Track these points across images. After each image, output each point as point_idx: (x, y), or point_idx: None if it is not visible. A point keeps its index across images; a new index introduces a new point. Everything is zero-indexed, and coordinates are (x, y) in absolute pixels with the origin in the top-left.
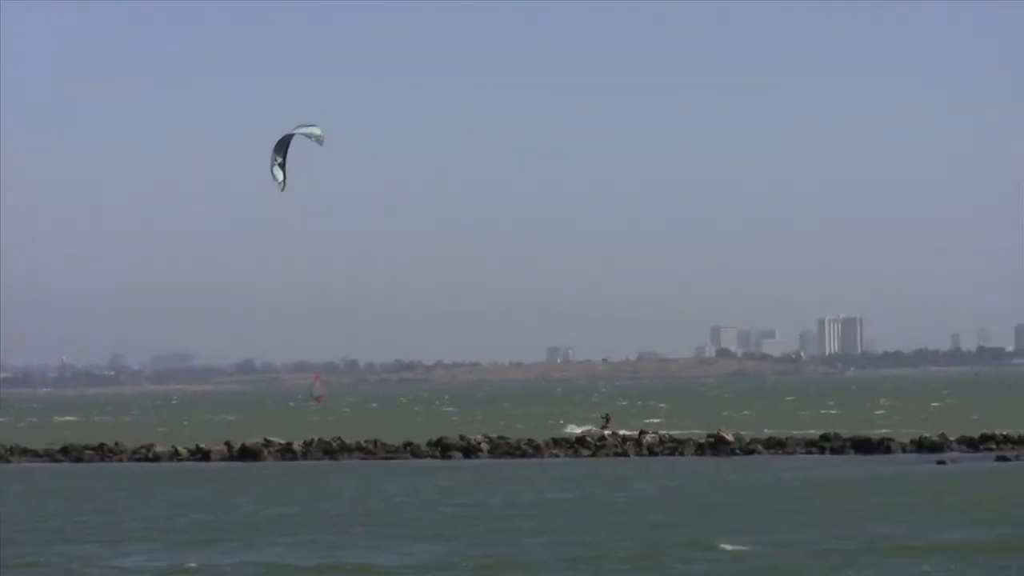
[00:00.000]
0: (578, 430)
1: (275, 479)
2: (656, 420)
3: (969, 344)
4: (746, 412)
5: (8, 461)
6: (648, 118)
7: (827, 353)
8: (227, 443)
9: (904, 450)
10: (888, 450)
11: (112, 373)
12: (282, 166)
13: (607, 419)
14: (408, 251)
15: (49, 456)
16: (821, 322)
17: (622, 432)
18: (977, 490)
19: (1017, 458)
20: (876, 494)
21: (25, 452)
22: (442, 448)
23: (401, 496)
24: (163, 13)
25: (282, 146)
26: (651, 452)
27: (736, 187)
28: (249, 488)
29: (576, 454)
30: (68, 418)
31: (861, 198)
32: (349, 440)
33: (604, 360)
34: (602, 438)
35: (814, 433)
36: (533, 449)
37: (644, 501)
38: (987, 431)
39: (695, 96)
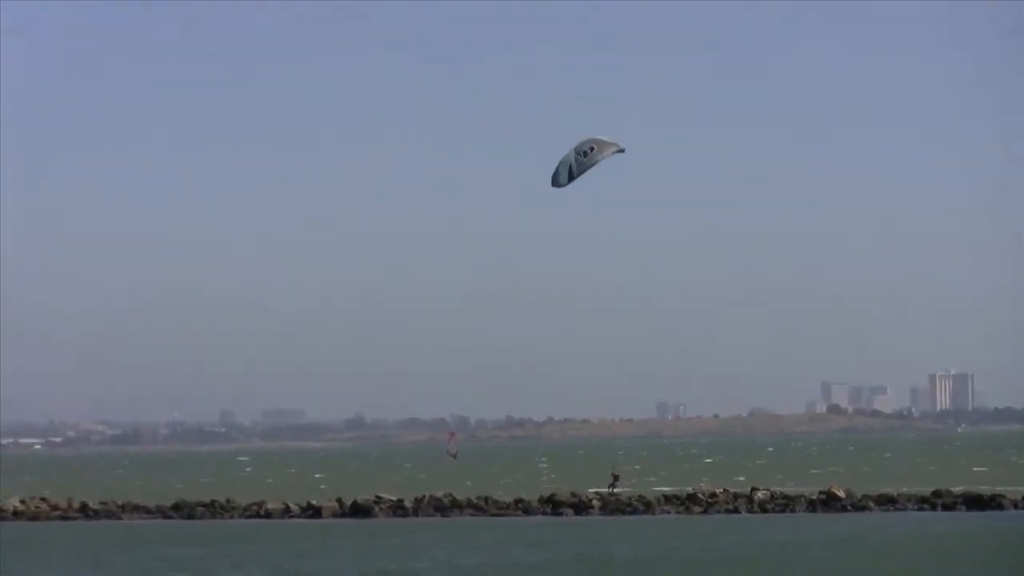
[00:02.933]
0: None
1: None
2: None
3: None
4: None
5: (119, 518)
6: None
7: (938, 409)
8: (338, 499)
9: (1016, 506)
10: (1000, 506)
11: (223, 430)
12: (571, 175)
13: (615, 477)
14: (517, 305)
15: (160, 512)
16: (932, 378)
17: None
18: None
19: None
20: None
21: (137, 508)
22: (553, 504)
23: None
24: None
25: (584, 164)
26: (763, 509)
27: (845, 241)
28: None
29: (688, 511)
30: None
31: (971, 251)
32: (460, 496)
33: (715, 416)
34: (712, 494)
35: (925, 490)
36: (644, 506)
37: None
38: None
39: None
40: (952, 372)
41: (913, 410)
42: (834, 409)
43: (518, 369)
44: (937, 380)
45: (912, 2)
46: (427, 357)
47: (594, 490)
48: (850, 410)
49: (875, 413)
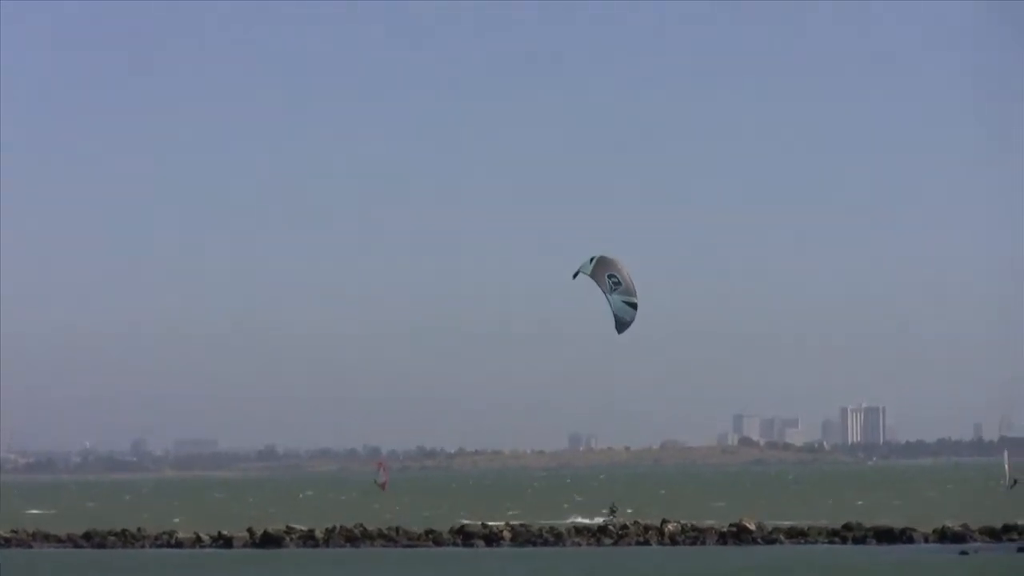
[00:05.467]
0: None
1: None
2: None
3: (991, 435)
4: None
5: (30, 546)
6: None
7: (849, 442)
8: (249, 529)
9: (927, 540)
10: (911, 540)
11: (135, 459)
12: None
13: (612, 510)
14: (429, 338)
15: (71, 541)
16: (844, 411)
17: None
18: None
19: None
20: None
21: (47, 537)
22: (464, 536)
23: None
24: None
25: (605, 278)
26: (673, 541)
27: (758, 274)
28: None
29: (598, 543)
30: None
31: (884, 287)
32: (371, 527)
33: (626, 448)
34: (623, 526)
35: (835, 524)
36: (555, 537)
37: None
38: (1009, 521)
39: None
40: (864, 405)
41: (824, 443)
42: (746, 441)
43: (430, 400)
44: (849, 413)
45: None
46: (338, 387)
47: (596, 519)
48: (762, 443)
49: (787, 446)
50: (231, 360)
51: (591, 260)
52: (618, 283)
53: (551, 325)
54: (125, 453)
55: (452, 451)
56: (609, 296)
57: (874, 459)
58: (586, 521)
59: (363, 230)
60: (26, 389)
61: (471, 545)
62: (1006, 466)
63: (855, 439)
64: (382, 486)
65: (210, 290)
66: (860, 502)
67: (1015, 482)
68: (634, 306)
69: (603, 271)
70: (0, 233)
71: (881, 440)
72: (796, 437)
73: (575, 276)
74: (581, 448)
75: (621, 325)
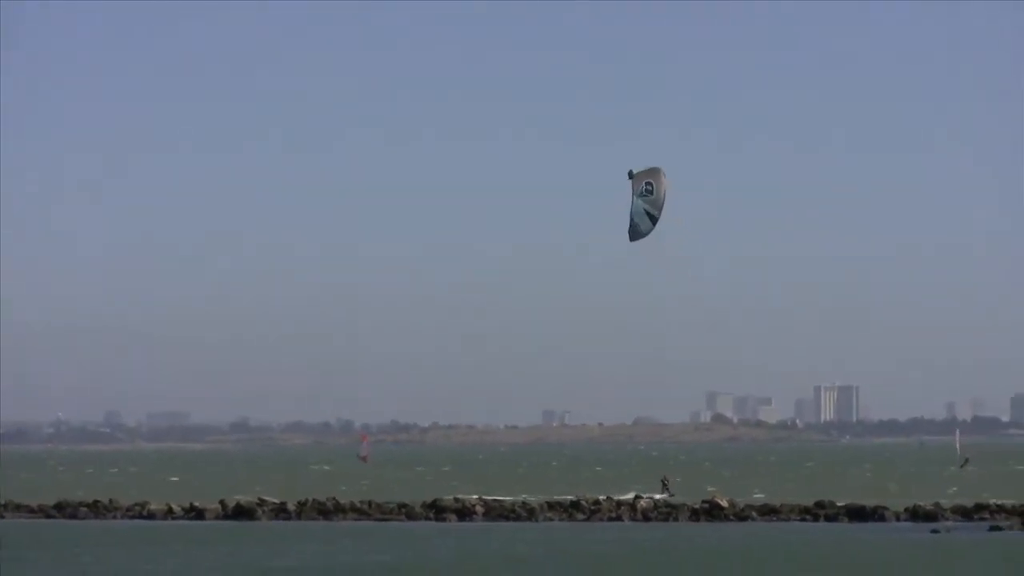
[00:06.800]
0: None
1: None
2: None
3: (964, 414)
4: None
5: (1, 516)
6: None
7: (823, 420)
8: (221, 501)
9: (898, 518)
10: (882, 518)
11: (107, 430)
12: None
13: (665, 482)
14: (404, 310)
15: (43, 512)
16: (817, 390)
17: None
18: (969, 561)
19: (1011, 528)
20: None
21: (19, 507)
22: (436, 510)
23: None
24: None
25: (657, 203)
26: (645, 517)
27: (732, 253)
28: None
29: (571, 517)
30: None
31: (858, 266)
32: (343, 500)
33: (600, 424)
34: (595, 501)
35: (808, 501)
36: (528, 512)
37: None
38: (982, 500)
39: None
40: (837, 384)
41: (798, 421)
42: (719, 419)
43: (403, 374)
44: (822, 392)
45: None
46: (312, 361)
47: (649, 495)
48: (735, 420)
49: (760, 424)
50: (204, 333)
51: (650, 168)
52: (650, 192)
53: (528, 300)
54: (98, 424)
55: (426, 425)
56: (635, 198)
57: (847, 437)
58: (648, 495)
59: (337, 203)
60: None
61: (443, 519)
62: (957, 446)
63: (828, 417)
64: (364, 459)
65: (183, 264)
66: (833, 480)
67: (966, 461)
68: (654, 220)
69: (645, 178)
70: None
71: (854, 419)
72: (770, 415)
73: (630, 175)
74: (555, 424)
75: (634, 232)
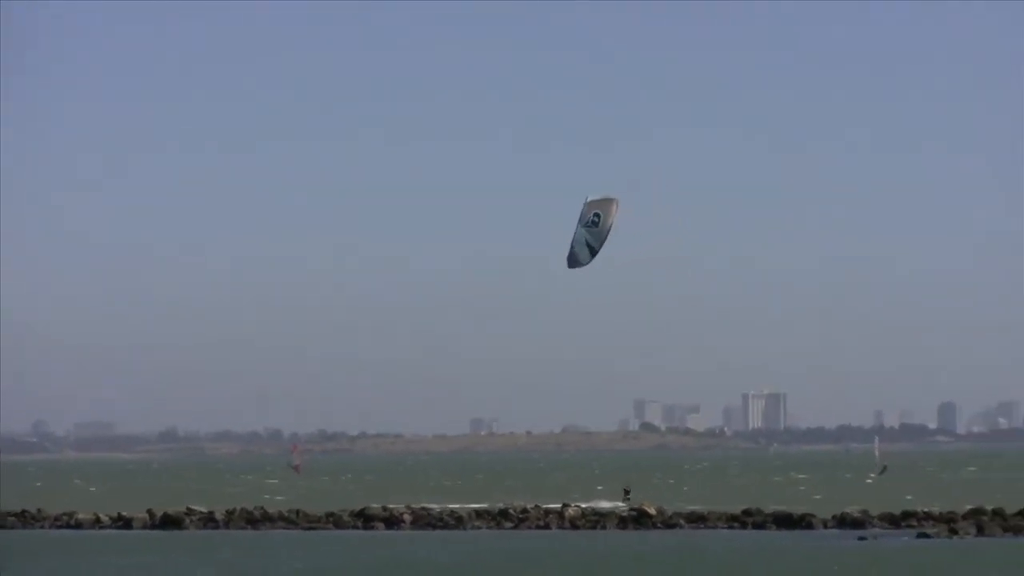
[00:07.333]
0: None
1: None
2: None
3: (892, 421)
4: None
5: None
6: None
7: (751, 428)
8: (149, 511)
9: (826, 526)
10: (810, 526)
11: (35, 440)
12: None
13: (627, 490)
14: (331, 318)
15: None
16: (745, 397)
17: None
18: (896, 568)
19: (938, 535)
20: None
21: None
22: (365, 519)
23: None
24: None
25: (600, 234)
26: (573, 525)
27: (658, 261)
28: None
29: (499, 526)
30: None
31: (785, 274)
32: (272, 509)
33: (528, 433)
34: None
35: (736, 508)
36: (456, 520)
37: None
38: (909, 508)
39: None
40: (765, 392)
41: (726, 429)
42: (647, 427)
43: (332, 383)
44: (750, 399)
45: None
46: (240, 370)
47: (610, 504)
48: (663, 428)
49: (688, 431)
50: (131, 341)
51: (605, 197)
52: (596, 224)
53: (453, 309)
54: (26, 434)
55: (354, 434)
56: (579, 226)
57: (775, 445)
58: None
59: (262, 211)
60: None
61: (371, 528)
62: (876, 453)
63: (756, 425)
64: (296, 468)
65: (107, 271)
66: (760, 488)
67: (884, 468)
68: (593, 252)
69: (596, 207)
70: None
71: (782, 426)
72: (698, 423)
73: (587, 199)
74: (483, 433)
75: (572, 259)
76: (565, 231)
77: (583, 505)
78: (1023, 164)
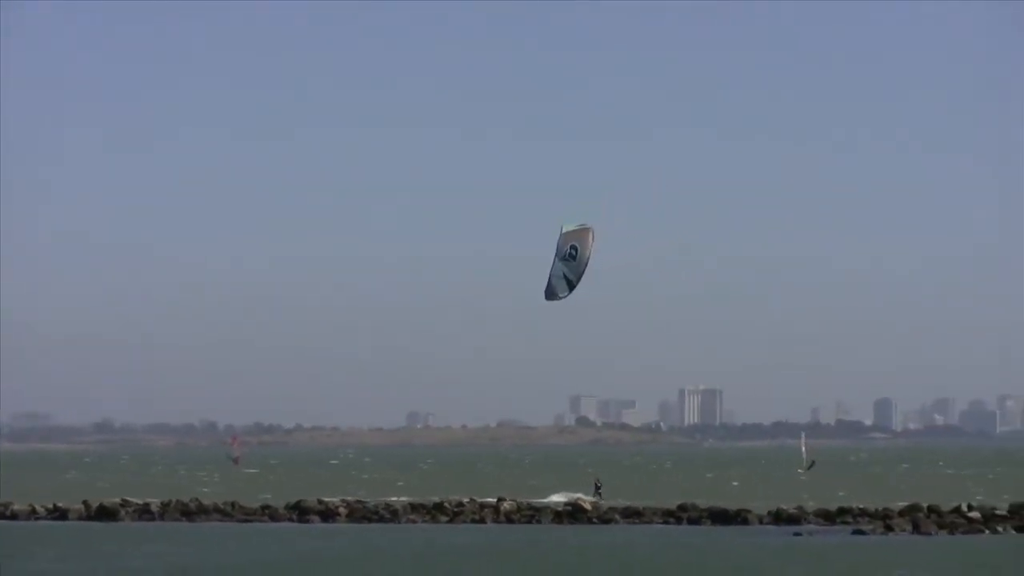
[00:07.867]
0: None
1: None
2: None
3: (828, 418)
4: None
5: None
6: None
7: (687, 424)
8: (84, 502)
9: (761, 521)
10: (745, 521)
11: None
12: (571, 284)
13: (597, 484)
14: (267, 309)
15: None
16: (681, 392)
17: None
18: (831, 564)
19: (873, 532)
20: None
21: None
22: (300, 512)
23: None
24: None
25: (578, 268)
26: (509, 520)
27: (596, 255)
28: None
29: (434, 519)
30: None
31: (720, 270)
32: (207, 502)
33: (464, 426)
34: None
35: (671, 503)
36: (391, 514)
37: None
38: (845, 504)
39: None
40: (701, 387)
41: (662, 424)
42: (583, 422)
43: (266, 375)
44: (686, 394)
45: None
46: (175, 361)
47: (581, 496)
48: (599, 423)
49: (624, 427)
50: (67, 336)
51: (581, 226)
52: (573, 257)
53: (390, 301)
54: None
55: (290, 427)
56: (556, 260)
57: (710, 441)
58: (567, 497)
59: (200, 205)
60: None
61: (307, 521)
62: (803, 448)
63: (692, 420)
64: (235, 460)
65: (43, 269)
66: (696, 483)
67: (812, 463)
68: (571, 286)
69: (573, 239)
70: None
71: (718, 422)
72: (634, 418)
73: (562, 229)
74: (419, 426)
75: (550, 292)
76: (505, 228)
77: (556, 498)
78: (1023, 164)
